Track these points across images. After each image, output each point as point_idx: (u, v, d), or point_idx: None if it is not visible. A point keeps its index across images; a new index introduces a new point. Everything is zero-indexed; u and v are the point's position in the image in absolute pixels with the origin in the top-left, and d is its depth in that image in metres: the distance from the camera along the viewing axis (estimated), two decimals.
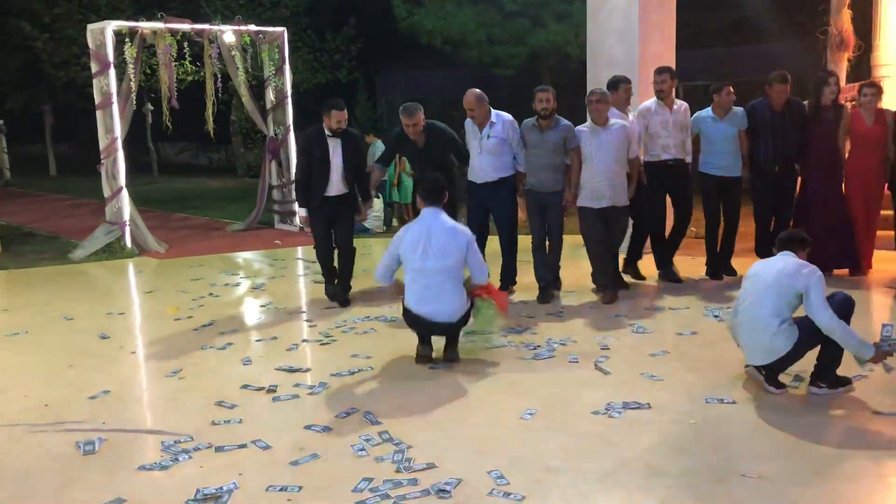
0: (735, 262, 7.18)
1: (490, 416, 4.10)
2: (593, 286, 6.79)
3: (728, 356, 4.92)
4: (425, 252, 4.80)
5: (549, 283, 6.65)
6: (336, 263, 6.77)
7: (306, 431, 3.94)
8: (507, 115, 6.62)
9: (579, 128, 6.46)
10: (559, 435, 3.84)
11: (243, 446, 3.79)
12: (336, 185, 6.53)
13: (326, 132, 6.46)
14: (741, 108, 7.01)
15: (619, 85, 6.88)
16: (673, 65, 8.33)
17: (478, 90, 6.59)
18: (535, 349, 5.19)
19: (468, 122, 6.68)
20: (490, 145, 6.51)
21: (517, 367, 4.89)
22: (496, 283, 6.34)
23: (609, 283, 6.57)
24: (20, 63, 20.82)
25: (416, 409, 4.21)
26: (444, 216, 4.97)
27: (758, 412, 4.07)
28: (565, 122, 6.48)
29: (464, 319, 4.99)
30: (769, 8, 14.45)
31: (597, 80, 7.97)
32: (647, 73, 7.46)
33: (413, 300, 4.89)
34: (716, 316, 5.90)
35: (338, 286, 6.73)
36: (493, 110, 6.56)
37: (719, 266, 7.17)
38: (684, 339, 5.41)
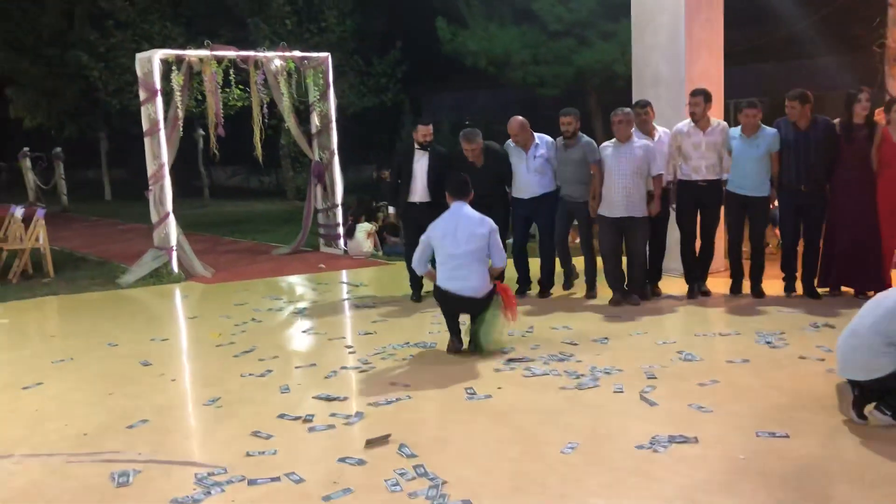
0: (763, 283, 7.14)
1: (530, 449, 3.97)
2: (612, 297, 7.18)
3: (781, 386, 4.72)
4: (455, 239, 5.59)
5: (570, 270, 7.54)
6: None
7: (340, 464, 3.85)
8: (547, 136, 7.44)
9: (605, 143, 7.12)
10: (601, 470, 3.68)
11: (276, 479, 3.72)
12: (419, 193, 7.41)
13: (416, 145, 7.42)
14: (773, 130, 6.84)
15: (633, 110, 7.16)
16: (721, 82, 8.18)
17: (521, 118, 7.37)
18: (578, 378, 5.04)
19: (510, 144, 7.46)
20: (537, 164, 7.32)
21: (560, 397, 4.74)
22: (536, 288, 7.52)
23: (618, 286, 7.11)
24: (77, 92, 21.46)
25: (453, 442, 4.09)
26: (469, 208, 5.75)
27: (813, 447, 3.85)
28: (586, 138, 7.25)
29: (487, 299, 5.61)
30: (823, 22, 14.09)
31: (643, 98, 7.80)
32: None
33: (444, 279, 5.66)
34: (768, 342, 5.67)
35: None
36: (534, 133, 7.36)
37: (741, 284, 7.18)
38: (735, 367, 5.20)
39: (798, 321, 6.24)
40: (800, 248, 7.06)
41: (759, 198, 6.90)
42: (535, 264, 7.64)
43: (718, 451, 3.85)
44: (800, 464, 3.68)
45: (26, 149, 21.20)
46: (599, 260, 7.39)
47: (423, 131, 7.41)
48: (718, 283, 7.48)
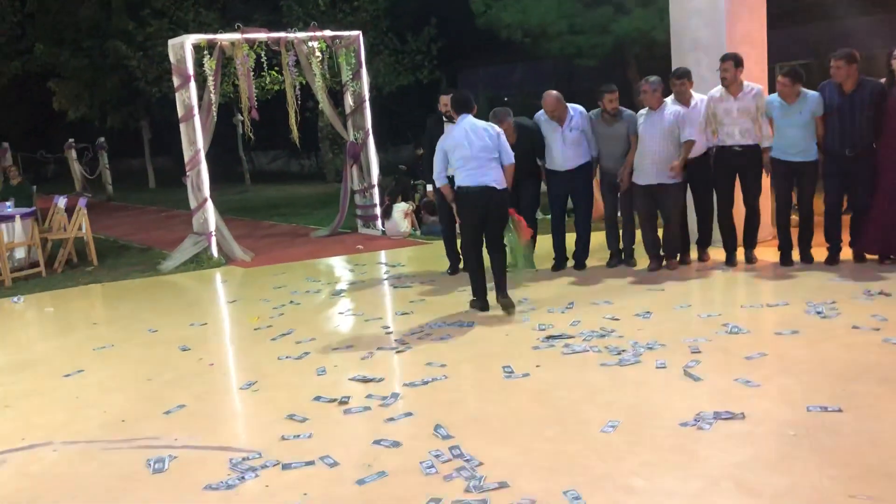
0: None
1: (568, 428, 3.85)
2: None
3: (833, 358, 4.52)
4: (469, 143, 6.09)
5: (616, 251, 7.42)
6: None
7: (375, 446, 3.79)
8: (579, 107, 7.30)
9: (640, 111, 7.09)
10: (643, 450, 3.55)
11: (311, 463, 3.67)
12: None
13: (444, 118, 7.28)
14: (816, 93, 6.59)
15: (671, 81, 7.09)
16: (764, 45, 7.90)
17: (556, 92, 7.25)
18: (619, 354, 4.89)
19: (542, 116, 7.34)
20: (573, 137, 7.20)
21: (600, 373, 4.61)
22: (570, 262, 7.55)
23: (654, 252, 7.15)
24: (117, 82, 21.72)
25: (489, 422, 4.00)
26: (473, 118, 6.22)
27: (868, 422, 3.66)
28: (627, 111, 7.19)
29: (504, 198, 6.16)
30: None
31: (682, 64, 7.56)
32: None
33: (464, 179, 6.10)
34: (818, 312, 5.45)
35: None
36: (567, 104, 7.22)
37: (790, 253, 6.96)
38: (784, 339, 5.00)
39: (850, 290, 5.99)
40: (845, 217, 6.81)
41: (806, 163, 6.66)
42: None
43: (767, 427, 3.69)
44: (854, 440, 3.50)
45: (71, 140, 21.60)
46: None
47: (444, 100, 7.33)
48: (766, 251, 7.24)
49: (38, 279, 9.12)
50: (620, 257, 7.42)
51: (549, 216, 7.63)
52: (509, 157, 6.25)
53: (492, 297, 6.16)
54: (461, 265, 7.55)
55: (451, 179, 6.32)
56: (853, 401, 3.90)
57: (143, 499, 3.48)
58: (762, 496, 3.07)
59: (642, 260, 7.32)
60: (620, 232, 7.39)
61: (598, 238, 7.55)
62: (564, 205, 7.51)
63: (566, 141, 7.17)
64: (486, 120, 7.19)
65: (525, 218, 7.38)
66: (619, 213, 7.37)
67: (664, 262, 7.16)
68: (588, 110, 7.31)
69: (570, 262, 7.52)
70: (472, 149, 6.08)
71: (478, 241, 6.24)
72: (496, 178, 6.11)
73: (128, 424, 4.37)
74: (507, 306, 6.04)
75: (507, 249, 6.34)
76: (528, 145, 7.25)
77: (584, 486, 3.22)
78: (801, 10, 15.27)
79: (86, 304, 8.07)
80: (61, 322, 7.24)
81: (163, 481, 3.63)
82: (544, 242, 7.76)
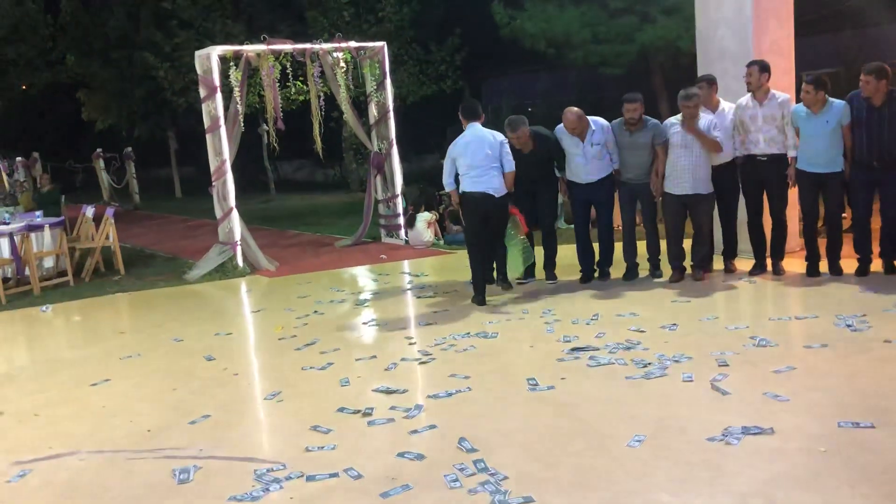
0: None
1: (594, 443, 3.81)
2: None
3: (865, 373, 4.44)
4: (474, 152, 6.63)
5: (634, 264, 7.32)
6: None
7: (399, 459, 3.78)
8: (602, 120, 7.21)
9: (670, 119, 6.99)
10: (670, 465, 3.50)
11: (335, 475, 3.66)
12: None
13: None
14: (841, 102, 6.51)
15: (698, 85, 7.05)
16: (791, 53, 7.81)
17: (577, 109, 7.19)
18: (645, 367, 4.84)
19: (563, 130, 7.22)
20: (594, 152, 7.12)
21: (625, 387, 4.56)
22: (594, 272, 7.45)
23: (678, 264, 7.09)
24: (145, 92, 21.97)
25: (514, 435, 3.97)
26: (481, 126, 6.77)
27: None
28: (652, 121, 7.07)
29: (505, 203, 6.77)
30: None
31: (708, 72, 7.49)
32: None
33: (469, 185, 6.70)
34: (849, 325, 5.35)
35: (495, 274, 7.33)
36: (588, 118, 7.14)
37: (817, 265, 6.85)
38: (813, 352, 4.92)
39: (880, 302, 5.89)
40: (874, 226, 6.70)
41: (832, 174, 6.57)
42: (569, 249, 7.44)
43: (797, 443, 3.62)
44: (888, 457, 3.43)
45: (99, 150, 21.87)
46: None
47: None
48: (794, 263, 7.15)
49: (65, 288, 9.23)
50: (636, 270, 7.32)
51: (573, 226, 7.59)
52: (510, 164, 6.75)
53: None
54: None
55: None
56: (886, 417, 3.82)
57: None
58: None
59: (667, 271, 7.24)
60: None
61: (617, 249, 7.47)
62: (587, 214, 7.46)
63: (587, 156, 7.11)
64: (503, 129, 7.27)
65: (542, 225, 7.42)
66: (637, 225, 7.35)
67: (689, 273, 7.09)
68: (607, 123, 7.20)
69: (596, 273, 7.44)
70: (474, 157, 6.65)
71: (480, 241, 6.87)
72: (495, 186, 6.70)
73: (153, 434, 4.40)
74: (506, 288, 7.05)
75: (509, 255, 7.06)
76: (546, 154, 7.25)
77: (610, 502, 3.19)
78: (829, 17, 15.10)
79: (113, 313, 8.15)
80: (88, 331, 7.32)
81: (188, 492, 3.64)
82: (567, 251, 7.71)
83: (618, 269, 7.43)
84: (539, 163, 7.26)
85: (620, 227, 7.43)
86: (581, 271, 7.44)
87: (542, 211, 7.47)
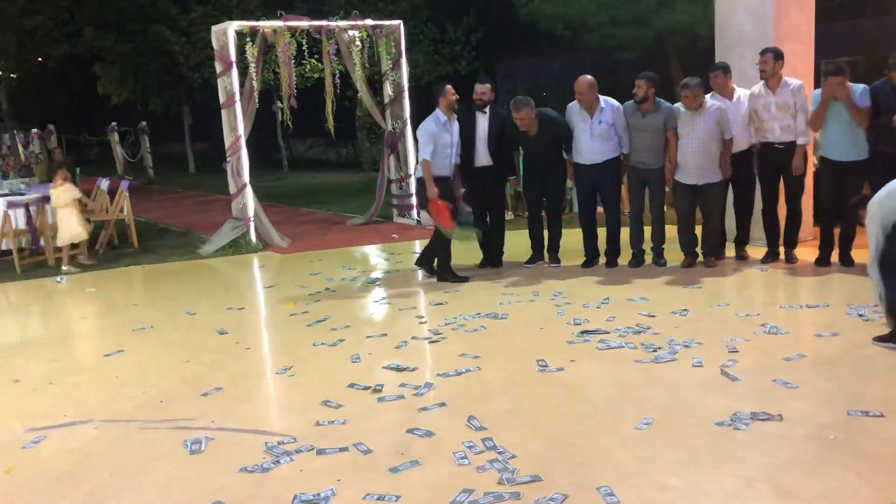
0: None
1: (603, 424, 3.83)
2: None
3: (875, 362, 4.44)
4: (452, 133, 7.02)
5: (640, 250, 7.28)
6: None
7: (408, 435, 3.81)
8: (614, 101, 7.13)
9: (678, 106, 6.91)
10: (677, 448, 3.52)
11: (344, 450, 3.70)
12: (482, 157, 7.27)
13: (475, 108, 7.27)
14: (860, 85, 6.43)
15: (709, 75, 7.03)
16: (811, 40, 7.74)
17: (590, 77, 7.08)
18: (655, 351, 4.86)
19: (574, 107, 7.16)
20: (601, 129, 7.03)
21: (635, 370, 4.58)
22: (601, 259, 7.45)
23: (689, 250, 7.07)
24: (160, 67, 21.99)
25: (522, 415, 4.00)
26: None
27: None
28: (665, 104, 6.98)
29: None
30: None
31: (726, 59, 7.45)
32: (784, 49, 6.87)
33: (440, 168, 6.98)
34: (860, 315, 5.34)
35: (492, 253, 7.58)
36: (600, 96, 7.07)
37: (830, 254, 6.82)
38: (824, 340, 4.92)
39: None
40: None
41: (854, 162, 6.51)
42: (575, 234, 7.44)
43: (805, 429, 3.63)
44: None
45: (114, 123, 21.97)
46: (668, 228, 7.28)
47: (479, 90, 7.22)
48: (806, 251, 7.12)
49: (79, 259, 9.28)
50: (642, 257, 7.27)
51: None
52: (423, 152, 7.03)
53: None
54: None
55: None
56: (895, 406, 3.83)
57: (181, 478, 3.53)
58: (799, 499, 3.03)
59: (670, 258, 7.22)
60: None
61: (624, 235, 7.44)
62: (592, 200, 7.34)
63: (594, 133, 7.02)
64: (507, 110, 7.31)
65: (549, 209, 7.40)
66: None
67: (701, 260, 7.09)
68: (619, 104, 7.14)
69: (603, 259, 7.43)
70: (452, 137, 7.06)
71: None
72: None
73: (166, 405, 4.45)
74: (428, 274, 7.39)
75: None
76: (552, 135, 7.17)
77: (617, 483, 3.21)
78: (849, 4, 14.93)
79: (126, 285, 8.22)
80: (103, 302, 7.38)
81: (199, 462, 3.69)
82: (573, 236, 7.70)
83: (624, 256, 7.41)
84: (546, 146, 7.21)
85: (628, 213, 7.40)
86: (585, 256, 7.43)
87: (550, 194, 7.45)
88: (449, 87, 7.18)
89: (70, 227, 8.63)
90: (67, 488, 3.51)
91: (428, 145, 6.91)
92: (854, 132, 6.47)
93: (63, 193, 8.62)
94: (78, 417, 4.32)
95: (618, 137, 7.08)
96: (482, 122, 7.25)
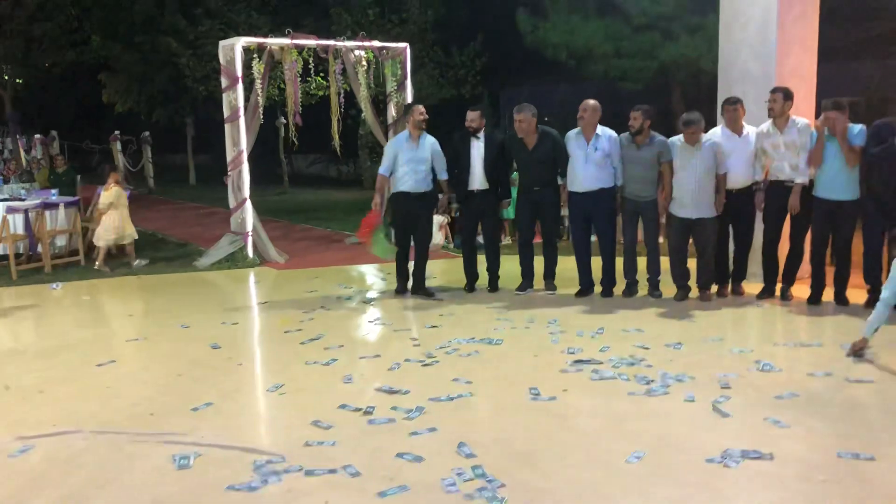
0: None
1: (593, 456, 3.83)
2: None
3: (868, 403, 4.44)
4: (413, 150, 7.30)
5: (634, 280, 7.29)
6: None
7: (398, 459, 3.80)
8: (611, 131, 7.19)
9: (672, 140, 7.00)
10: (667, 483, 3.51)
11: (333, 472, 3.69)
12: (477, 180, 7.42)
13: (469, 133, 7.42)
14: (859, 126, 6.49)
15: (723, 107, 7.09)
16: (813, 80, 7.82)
17: (596, 101, 7.20)
18: (648, 383, 4.85)
19: (572, 134, 7.24)
20: (597, 157, 7.08)
21: (627, 402, 4.57)
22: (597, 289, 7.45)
23: (682, 283, 7.13)
24: (166, 78, 22.10)
25: (513, 444, 3.99)
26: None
27: None
28: (660, 137, 7.05)
29: (434, 199, 7.62)
30: None
31: (729, 95, 7.49)
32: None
33: (405, 184, 7.34)
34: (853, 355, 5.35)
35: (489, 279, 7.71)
36: (599, 125, 7.15)
37: (821, 293, 6.87)
38: (817, 380, 4.92)
39: (887, 334, 5.83)
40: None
41: (847, 202, 6.55)
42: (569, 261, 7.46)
43: (795, 470, 3.63)
44: (887, 490, 3.43)
45: (117, 132, 22.00)
46: (663, 259, 7.29)
47: (469, 117, 7.38)
48: (801, 289, 7.14)
49: (76, 267, 9.30)
50: (636, 288, 7.29)
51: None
52: (443, 172, 7.52)
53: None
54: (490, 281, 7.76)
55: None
56: (887, 449, 3.82)
57: (167, 493, 3.51)
58: None
59: (665, 290, 7.24)
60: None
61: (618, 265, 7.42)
62: (586, 229, 7.35)
63: (588, 159, 7.06)
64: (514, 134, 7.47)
65: (544, 234, 7.51)
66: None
67: (695, 294, 7.10)
68: (616, 135, 7.19)
69: (598, 289, 7.43)
70: (414, 154, 7.33)
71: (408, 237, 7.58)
72: (427, 185, 7.42)
73: (156, 418, 4.43)
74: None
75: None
76: (549, 149, 7.23)
77: None
78: (852, 46, 15.08)
79: (121, 295, 8.20)
80: (97, 312, 7.37)
81: (186, 477, 3.67)
82: (569, 263, 7.71)
83: (618, 286, 7.41)
84: (542, 161, 7.25)
85: (622, 243, 7.39)
86: (580, 284, 7.43)
87: (544, 220, 7.48)
88: (417, 107, 7.42)
89: (116, 228, 9.23)
90: (51, 499, 3.49)
91: (385, 160, 7.49)
92: (846, 172, 6.51)
93: (112, 195, 9.21)
94: (67, 427, 4.30)
95: (613, 168, 7.13)
96: (477, 146, 7.40)
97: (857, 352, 5.31)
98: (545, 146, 7.25)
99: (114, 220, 9.20)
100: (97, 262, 9.21)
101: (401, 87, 10.75)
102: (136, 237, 9.57)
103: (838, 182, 6.56)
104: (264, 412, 4.69)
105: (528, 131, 7.24)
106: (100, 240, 9.21)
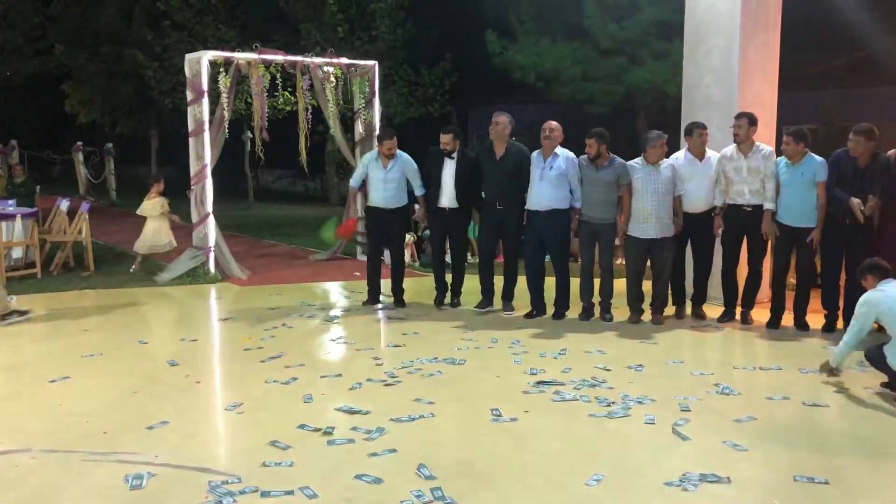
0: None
1: (553, 479, 3.81)
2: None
3: (824, 428, 4.49)
4: (381, 170, 7.53)
5: (590, 304, 7.27)
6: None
7: (356, 481, 3.75)
8: (569, 152, 7.20)
9: (631, 163, 7.05)
10: None
11: (290, 493, 3.62)
12: (447, 198, 7.50)
13: (442, 153, 7.51)
14: (820, 158, 6.64)
15: (693, 131, 7.15)
16: (774, 107, 7.97)
17: (556, 124, 7.25)
18: (609, 405, 4.86)
19: (535, 154, 7.26)
20: (551, 176, 7.10)
21: (588, 424, 4.58)
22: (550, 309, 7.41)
23: (636, 306, 7.16)
24: (131, 90, 21.87)
25: (473, 465, 3.96)
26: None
27: (855, 497, 3.63)
28: (619, 160, 7.08)
29: (405, 215, 7.75)
30: (885, 51, 13.67)
31: (692, 120, 7.61)
32: None
33: (376, 199, 7.59)
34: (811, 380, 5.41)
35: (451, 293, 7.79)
36: (558, 147, 7.18)
37: (780, 317, 6.96)
38: (774, 404, 4.97)
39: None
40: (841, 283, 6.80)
41: (805, 228, 6.68)
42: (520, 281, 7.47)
43: (752, 493, 3.65)
44: None
45: (80, 143, 21.68)
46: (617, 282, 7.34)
47: (444, 140, 7.48)
48: (761, 313, 7.23)
49: (33, 280, 9.10)
50: (592, 311, 7.27)
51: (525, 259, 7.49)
52: (420, 188, 7.67)
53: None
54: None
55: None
56: (841, 473, 3.87)
57: None
58: None
59: (617, 313, 7.27)
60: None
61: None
62: (538, 250, 7.31)
63: (543, 178, 7.08)
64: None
65: (506, 254, 7.56)
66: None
67: (648, 317, 7.15)
68: (574, 156, 7.21)
69: (552, 310, 7.39)
70: (388, 173, 7.56)
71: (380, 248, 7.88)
72: (399, 200, 7.66)
73: (109, 436, 4.33)
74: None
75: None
76: (517, 161, 7.25)
77: None
78: (811, 76, 15.44)
79: (78, 309, 8.02)
80: (52, 326, 7.20)
81: (139, 499, 3.58)
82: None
83: (573, 308, 7.40)
84: (508, 174, 7.26)
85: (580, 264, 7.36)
86: (531, 305, 7.41)
87: (506, 240, 7.48)
88: (385, 142, 7.58)
89: (157, 237, 9.78)
90: None
91: (356, 173, 7.92)
92: (807, 199, 6.63)
93: (158, 205, 9.83)
94: (15, 446, 4.18)
95: (570, 190, 7.13)
96: (449, 165, 7.48)
97: (830, 372, 5.39)
98: (512, 158, 7.29)
99: (157, 229, 9.74)
100: (133, 267, 9.77)
101: (369, 104, 10.75)
102: (175, 245, 9.89)
103: (798, 209, 6.68)
104: (221, 431, 4.60)
105: (502, 137, 7.29)
106: (143, 247, 9.76)
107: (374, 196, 7.68)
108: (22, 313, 7.24)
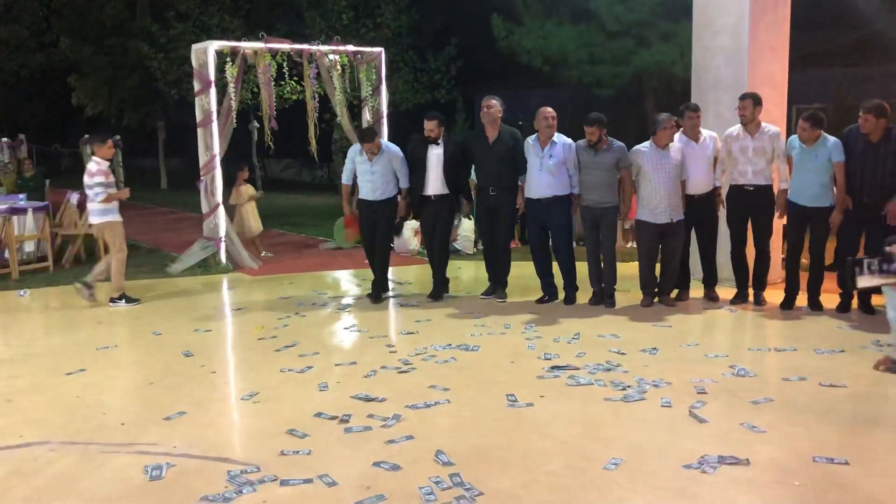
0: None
1: (571, 463, 3.81)
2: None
3: (841, 408, 4.47)
4: (366, 164, 7.39)
5: (600, 289, 7.20)
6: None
7: (375, 468, 3.75)
8: (567, 139, 7.10)
9: (639, 147, 6.96)
10: (645, 490, 3.50)
11: (309, 481, 3.63)
12: (433, 185, 7.38)
13: (427, 140, 7.40)
14: (835, 139, 6.57)
15: (683, 113, 7.08)
16: (785, 86, 7.90)
17: (551, 110, 7.14)
18: (624, 389, 4.85)
19: (530, 140, 7.16)
20: (550, 164, 7.00)
21: (604, 409, 4.57)
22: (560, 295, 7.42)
23: (649, 290, 7.13)
24: (137, 81, 21.85)
25: (491, 451, 3.96)
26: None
27: (876, 477, 3.61)
28: (618, 143, 7.01)
29: (393, 206, 7.53)
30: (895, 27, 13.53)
31: (702, 101, 7.59)
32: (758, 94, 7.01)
33: (364, 191, 7.48)
34: (827, 360, 5.39)
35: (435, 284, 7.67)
36: (556, 133, 7.06)
37: (795, 297, 6.92)
38: (791, 385, 4.95)
39: (858, 339, 5.95)
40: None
41: (819, 208, 6.64)
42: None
43: (771, 475, 3.64)
44: (859, 494, 3.45)
45: (87, 136, 21.69)
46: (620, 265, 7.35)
47: (428, 127, 7.33)
48: (775, 294, 7.20)
49: (45, 274, 9.14)
50: (602, 296, 7.18)
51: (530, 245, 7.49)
52: (405, 178, 7.52)
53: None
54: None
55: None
56: (861, 454, 3.85)
57: None
58: None
59: (630, 297, 7.26)
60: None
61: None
62: (543, 235, 7.26)
63: (543, 167, 6.99)
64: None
65: (497, 241, 7.44)
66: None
67: (658, 299, 7.16)
68: (572, 142, 7.12)
69: (562, 295, 7.39)
70: (374, 165, 7.41)
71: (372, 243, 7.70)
72: (387, 193, 7.48)
73: (127, 428, 4.35)
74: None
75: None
76: (511, 144, 7.18)
77: None
78: (820, 54, 15.30)
79: (92, 302, 8.05)
80: (66, 319, 7.23)
81: (159, 489, 3.60)
82: (520, 269, 7.69)
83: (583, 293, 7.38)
84: (501, 158, 7.18)
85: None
86: (543, 290, 7.40)
87: (499, 226, 7.39)
88: (366, 144, 7.35)
89: (256, 218, 10.34)
90: None
91: (345, 169, 7.72)
92: (820, 179, 6.58)
93: (244, 192, 10.26)
94: (34, 439, 4.20)
95: (569, 176, 7.06)
96: (435, 152, 7.35)
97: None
98: (505, 142, 7.21)
99: (249, 214, 10.26)
100: (264, 253, 10.32)
101: (376, 91, 10.72)
102: (262, 229, 10.50)
103: (812, 189, 6.63)
104: (238, 421, 4.61)
105: (493, 119, 7.20)
106: (256, 228, 10.34)
107: (361, 189, 7.54)
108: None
